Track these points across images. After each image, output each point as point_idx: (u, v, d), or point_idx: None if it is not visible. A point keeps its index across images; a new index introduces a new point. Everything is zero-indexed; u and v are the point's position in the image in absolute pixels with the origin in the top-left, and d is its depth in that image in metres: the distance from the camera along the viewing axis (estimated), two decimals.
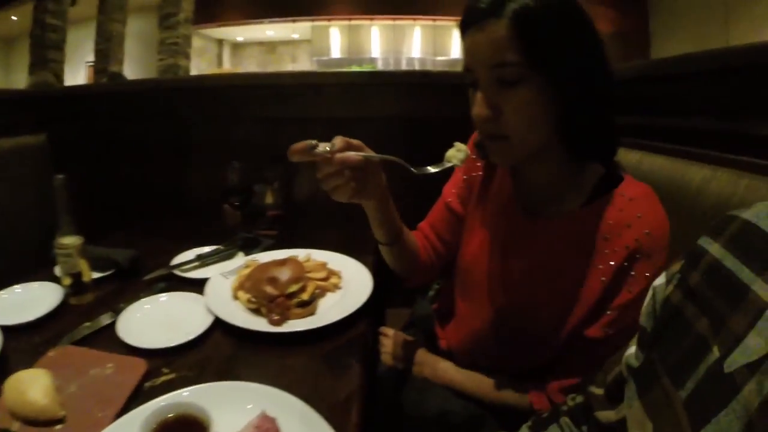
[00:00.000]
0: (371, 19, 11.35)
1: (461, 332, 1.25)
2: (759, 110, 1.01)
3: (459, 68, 0.99)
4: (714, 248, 0.55)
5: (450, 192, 1.29)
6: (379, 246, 1.21)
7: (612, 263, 0.94)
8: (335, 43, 11.86)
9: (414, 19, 11.01)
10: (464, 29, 0.92)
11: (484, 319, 1.15)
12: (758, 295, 0.47)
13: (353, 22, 11.53)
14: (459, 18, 0.93)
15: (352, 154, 0.91)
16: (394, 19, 11.16)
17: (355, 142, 0.94)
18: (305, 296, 1.19)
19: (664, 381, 0.54)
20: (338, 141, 0.91)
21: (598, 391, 0.75)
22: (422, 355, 1.25)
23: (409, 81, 2.16)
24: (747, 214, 0.54)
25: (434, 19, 10.55)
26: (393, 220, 1.14)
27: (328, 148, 0.90)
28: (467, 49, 0.93)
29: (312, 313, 1.19)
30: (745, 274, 0.49)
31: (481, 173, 1.21)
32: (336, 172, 0.91)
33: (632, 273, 0.93)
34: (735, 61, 1.05)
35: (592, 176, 1.01)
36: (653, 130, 1.32)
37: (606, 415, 0.72)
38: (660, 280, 0.63)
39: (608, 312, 0.96)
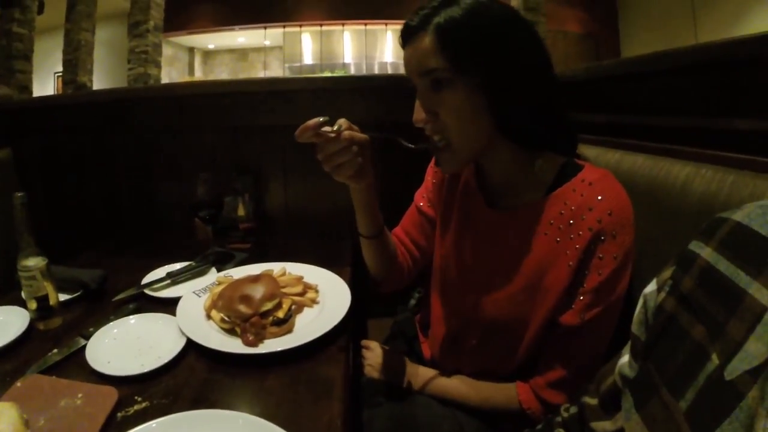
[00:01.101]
0: (342, 24, 11.43)
1: (439, 335, 1.25)
2: (737, 105, 1.01)
3: None
4: (706, 252, 0.55)
5: (420, 196, 1.35)
6: (362, 241, 1.24)
7: (577, 247, 0.96)
8: (307, 49, 11.92)
9: (385, 24, 11.11)
10: (403, 44, 1.02)
11: (460, 317, 1.18)
12: (755, 298, 0.46)
13: (325, 28, 11.60)
14: None
15: (358, 134, 1.02)
16: (366, 24, 11.24)
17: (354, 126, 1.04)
18: (281, 314, 1.15)
19: (663, 392, 0.53)
20: (344, 122, 1.01)
21: (592, 401, 0.74)
22: (406, 366, 1.25)
23: (381, 85, 2.14)
24: (738, 216, 0.54)
25: None
26: (377, 211, 1.20)
27: (335, 128, 0.98)
28: (404, 61, 1.02)
29: (289, 331, 1.16)
30: (740, 277, 0.49)
31: (447, 176, 1.26)
32: (342, 149, 0.99)
33: (600, 255, 0.95)
34: (709, 58, 1.05)
35: (552, 167, 1.05)
36: (632, 128, 1.32)
37: (602, 426, 0.71)
38: (651, 288, 0.62)
39: (581, 297, 0.97)
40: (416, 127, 1.03)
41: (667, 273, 0.60)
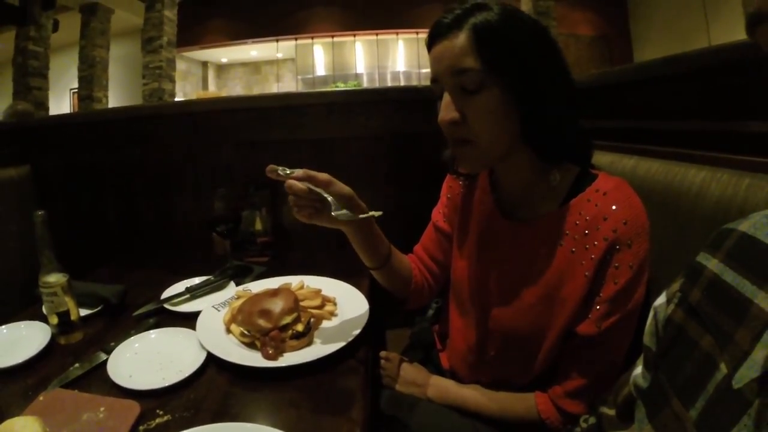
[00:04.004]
0: (354, 35, 11.47)
1: (459, 348, 1.25)
2: (752, 108, 1.00)
3: None
4: (713, 264, 0.56)
5: (437, 213, 1.36)
6: (371, 271, 1.27)
7: (593, 257, 0.96)
8: (319, 60, 11.96)
9: (396, 33, 11.12)
10: (431, 42, 1.00)
11: (479, 328, 1.17)
12: (761, 308, 0.47)
13: (336, 39, 11.64)
14: None
15: (297, 183, 1.04)
16: (377, 33, 11.26)
17: (322, 176, 1.06)
18: (300, 327, 1.16)
19: (674, 402, 0.54)
20: (298, 171, 1.05)
21: (610, 411, 0.74)
22: (425, 377, 1.24)
23: (394, 97, 2.13)
24: (744, 226, 0.55)
25: (417, 32, 10.66)
26: (374, 246, 1.21)
27: (288, 172, 1.05)
28: (433, 59, 1.00)
29: (308, 344, 1.16)
30: (746, 287, 0.49)
31: (462, 190, 1.26)
32: (290, 195, 1.05)
33: (616, 265, 0.94)
34: (722, 60, 1.05)
35: (567, 177, 1.05)
36: (646, 133, 1.31)
37: None
38: (660, 300, 0.63)
39: (597, 307, 0.97)
40: (440, 128, 1.01)
41: (676, 285, 0.61)
